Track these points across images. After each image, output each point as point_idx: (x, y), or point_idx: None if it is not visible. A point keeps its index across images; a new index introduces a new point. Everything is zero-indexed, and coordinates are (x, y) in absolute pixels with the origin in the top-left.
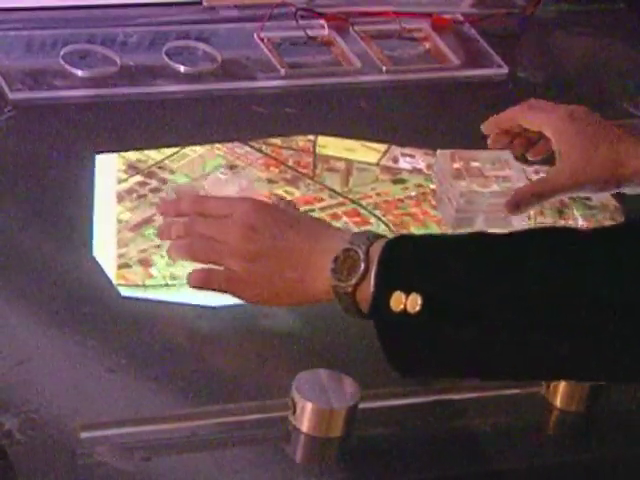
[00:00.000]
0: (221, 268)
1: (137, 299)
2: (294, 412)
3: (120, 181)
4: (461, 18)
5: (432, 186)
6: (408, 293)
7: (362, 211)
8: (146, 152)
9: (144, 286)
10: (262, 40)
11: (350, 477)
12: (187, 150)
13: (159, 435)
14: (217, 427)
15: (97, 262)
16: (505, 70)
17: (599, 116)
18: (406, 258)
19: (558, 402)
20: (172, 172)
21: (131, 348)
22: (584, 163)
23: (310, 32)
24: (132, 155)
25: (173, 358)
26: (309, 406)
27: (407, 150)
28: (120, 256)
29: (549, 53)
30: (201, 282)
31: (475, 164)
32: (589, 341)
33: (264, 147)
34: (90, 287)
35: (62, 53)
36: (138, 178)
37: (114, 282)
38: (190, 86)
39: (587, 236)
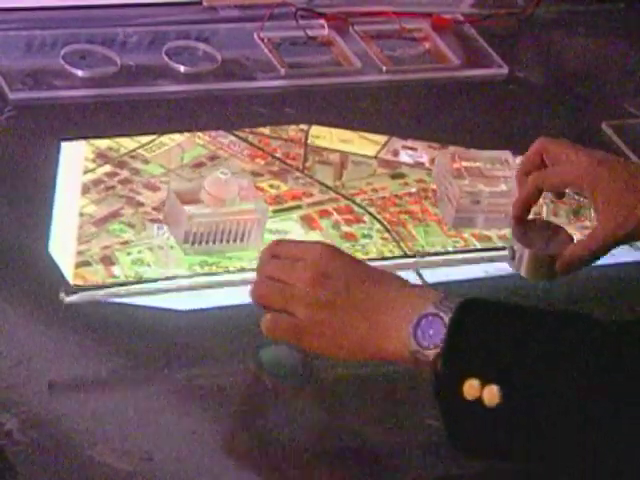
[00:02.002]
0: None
1: (96, 301)
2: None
3: (86, 171)
4: (461, 18)
5: (433, 185)
6: (485, 383)
7: (355, 208)
8: (119, 140)
9: (104, 287)
10: (262, 40)
11: None
12: (164, 139)
13: (159, 435)
14: (218, 426)
15: (53, 259)
16: (505, 70)
17: (622, 158)
18: (481, 337)
19: None
20: (146, 162)
21: (132, 349)
22: (628, 210)
23: (310, 32)
24: (102, 143)
25: (173, 359)
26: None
27: (409, 143)
28: (80, 253)
29: (549, 53)
30: (266, 327)
31: (475, 164)
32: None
33: (250, 137)
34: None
35: (62, 53)
36: (107, 168)
37: (70, 282)
38: (190, 86)
39: None
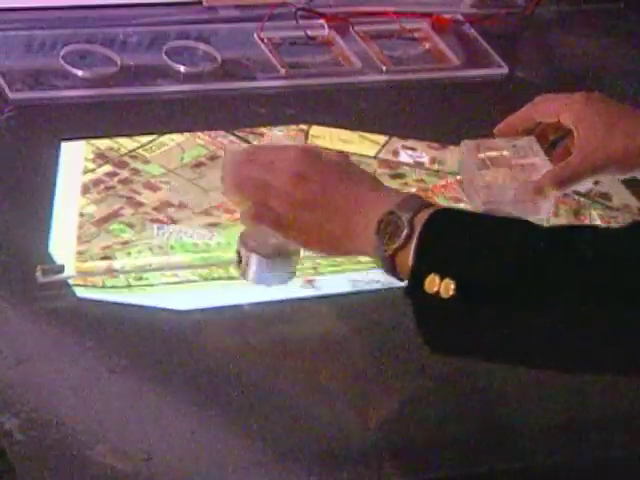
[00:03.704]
0: None
1: (95, 301)
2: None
3: (86, 171)
4: (461, 18)
5: (435, 181)
6: (443, 277)
7: None
8: (119, 140)
9: (103, 287)
10: (262, 40)
11: None
12: (164, 139)
13: (159, 435)
14: (218, 426)
15: (53, 260)
16: (505, 70)
17: (613, 100)
18: (446, 239)
19: None
20: (146, 162)
21: (132, 349)
22: (600, 144)
23: (310, 32)
24: (102, 143)
25: (173, 359)
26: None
27: (409, 143)
28: (80, 253)
29: (549, 53)
30: (252, 218)
31: (500, 153)
32: (621, 334)
33: (251, 137)
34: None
35: (62, 53)
36: (107, 168)
37: (70, 282)
38: (190, 86)
39: (628, 233)
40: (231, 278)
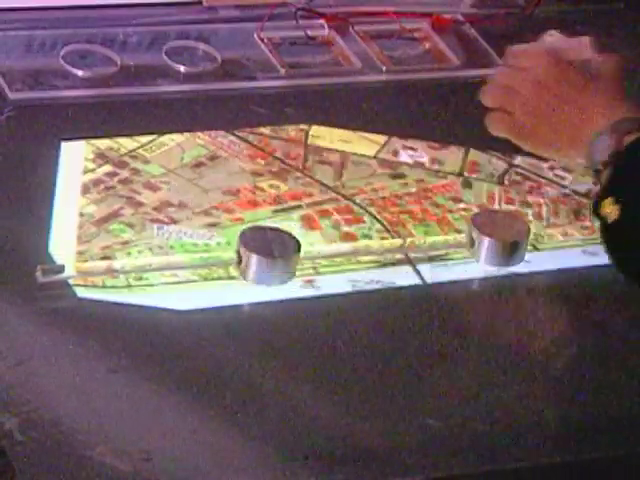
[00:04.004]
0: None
1: (95, 301)
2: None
3: (86, 171)
4: (461, 18)
5: (435, 181)
6: (616, 202)
7: (355, 208)
8: (119, 140)
9: (104, 287)
10: (262, 40)
11: None
12: (164, 139)
13: (159, 435)
14: (218, 426)
15: (53, 260)
16: None
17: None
18: (635, 166)
19: None
20: (146, 162)
21: (132, 349)
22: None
23: (310, 32)
24: (102, 143)
25: (173, 359)
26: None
27: (409, 143)
28: (80, 253)
29: None
30: (490, 122)
31: None
32: None
33: (251, 137)
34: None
35: (62, 53)
36: (107, 168)
37: (70, 282)
38: (190, 86)
39: None
40: (231, 278)
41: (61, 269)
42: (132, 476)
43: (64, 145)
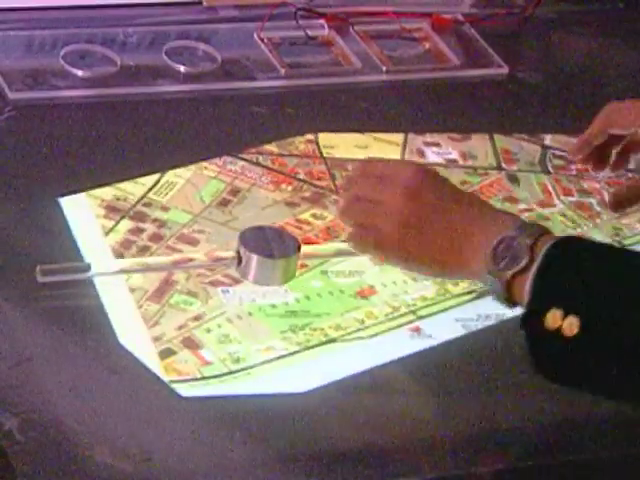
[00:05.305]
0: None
1: (200, 399)
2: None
3: (107, 231)
4: (461, 18)
5: (479, 180)
6: (566, 314)
7: None
8: (119, 186)
9: (203, 378)
10: (262, 40)
11: None
12: (170, 176)
13: (159, 435)
14: (218, 426)
15: (129, 352)
16: (505, 70)
17: None
18: (570, 271)
19: None
20: (165, 209)
21: (136, 349)
22: None
23: (310, 32)
24: (103, 192)
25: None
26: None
27: (429, 137)
28: (157, 339)
29: (549, 53)
30: (355, 239)
31: None
32: None
33: (261, 158)
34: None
35: (62, 53)
36: (127, 224)
37: (165, 379)
38: (190, 86)
39: None
40: (330, 341)
41: (61, 269)
42: (132, 476)
43: (64, 201)
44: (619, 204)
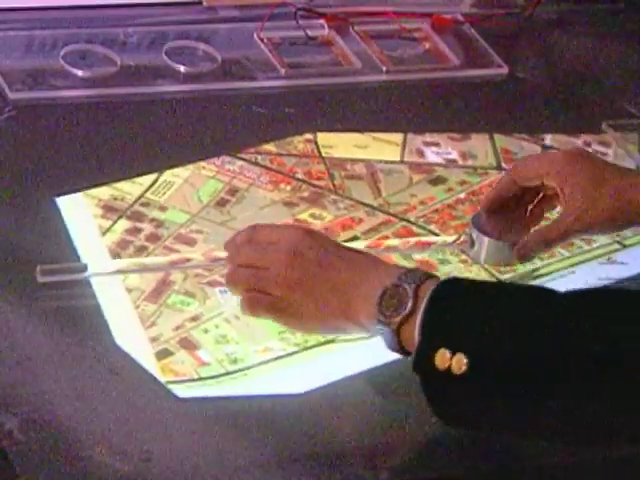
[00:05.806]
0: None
1: (198, 400)
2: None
3: (104, 231)
4: (461, 18)
5: (478, 180)
6: (454, 353)
7: (415, 228)
8: (116, 185)
9: (200, 379)
10: (262, 40)
11: None
12: (167, 176)
13: (159, 435)
14: (218, 426)
15: (126, 353)
16: (505, 70)
17: (597, 155)
18: (454, 311)
19: None
20: (163, 209)
21: (132, 350)
22: (590, 203)
23: (310, 32)
24: (100, 192)
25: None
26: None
27: (428, 137)
28: (154, 340)
29: (549, 53)
30: (246, 307)
31: None
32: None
33: (259, 158)
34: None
35: (62, 53)
36: (125, 224)
37: (161, 379)
38: (190, 86)
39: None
40: (328, 342)
41: (60, 269)
42: (132, 476)
43: (60, 200)
44: (526, 256)
